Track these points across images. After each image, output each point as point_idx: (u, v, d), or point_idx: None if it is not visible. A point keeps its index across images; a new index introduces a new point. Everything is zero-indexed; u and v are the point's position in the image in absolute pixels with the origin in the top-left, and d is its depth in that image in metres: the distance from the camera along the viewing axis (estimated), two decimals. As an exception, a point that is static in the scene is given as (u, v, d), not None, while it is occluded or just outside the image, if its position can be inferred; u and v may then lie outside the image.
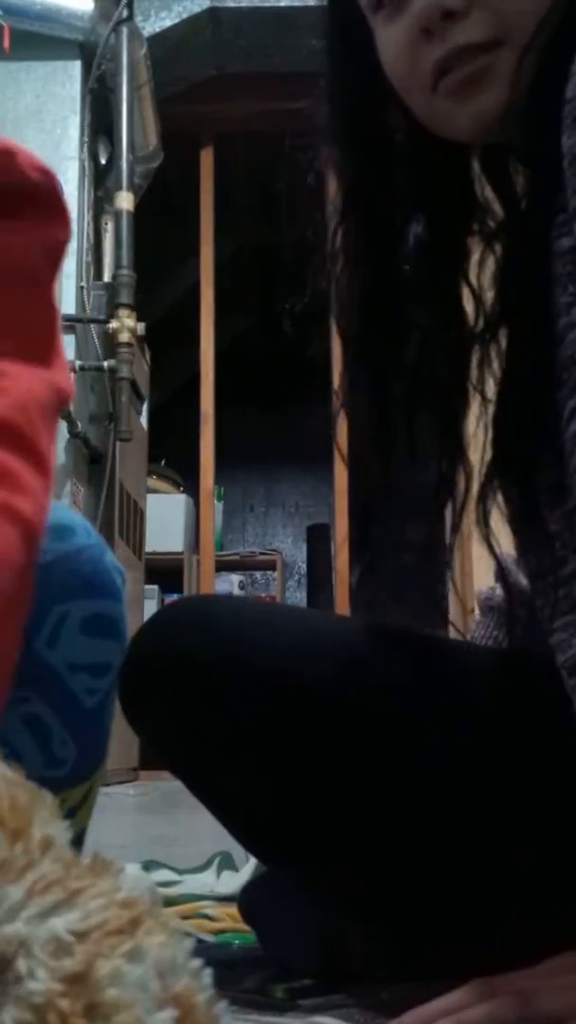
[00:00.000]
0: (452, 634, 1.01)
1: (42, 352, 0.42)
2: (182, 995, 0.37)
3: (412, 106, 0.78)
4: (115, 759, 2.56)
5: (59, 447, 3.05)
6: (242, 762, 0.87)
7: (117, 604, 0.74)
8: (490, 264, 0.84)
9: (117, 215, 3.30)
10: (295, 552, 6.66)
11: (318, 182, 0.91)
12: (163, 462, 5.14)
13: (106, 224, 3.62)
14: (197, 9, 3.69)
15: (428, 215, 0.85)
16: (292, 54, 3.75)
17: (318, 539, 6.13)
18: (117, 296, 3.22)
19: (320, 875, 0.87)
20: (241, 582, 5.50)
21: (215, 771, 0.90)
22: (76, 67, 3.37)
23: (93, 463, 3.38)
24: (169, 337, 4.84)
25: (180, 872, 1.44)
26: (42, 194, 0.44)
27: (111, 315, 3.22)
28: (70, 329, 3.16)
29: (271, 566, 5.80)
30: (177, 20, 3.69)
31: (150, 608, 4.17)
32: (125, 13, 3.28)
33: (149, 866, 1.47)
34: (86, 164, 3.39)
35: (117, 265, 3.27)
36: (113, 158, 3.39)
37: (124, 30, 3.28)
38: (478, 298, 0.84)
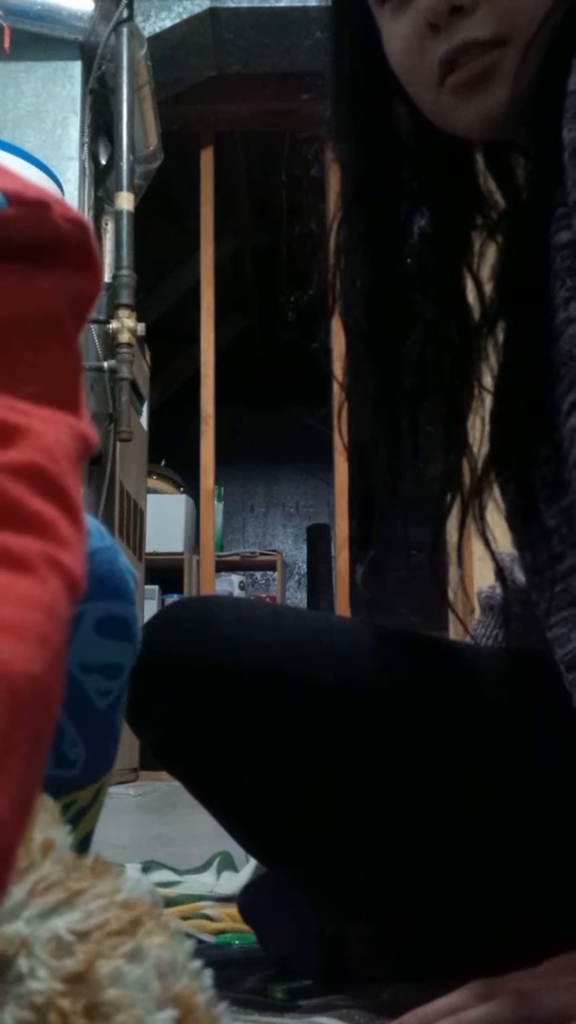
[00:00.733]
0: (454, 633, 1.01)
1: (69, 400, 0.42)
2: (182, 995, 0.37)
3: (417, 100, 0.78)
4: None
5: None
6: (242, 763, 0.87)
7: (130, 606, 0.74)
8: (491, 258, 0.84)
9: (117, 215, 3.30)
10: (295, 552, 6.66)
11: (322, 176, 0.91)
12: (163, 462, 5.14)
13: (106, 224, 3.62)
14: (197, 9, 3.69)
15: (432, 208, 0.85)
16: (292, 54, 3.75)
17: (318, 539, 6.13)
18: (117, 296, 3.21)
19: (321, 876, 0.87)
20: (241, 582, 5.50)
21: (215, 772, 0.90)
22: (76, 67, 3.37)
23: (93, 463, 3.37)
24: (169, 337, 4.85)
25: (180, 872, 1.44)
26: (73, 245, 0.43)
27: (111, 315, 3.22)
28: (70, 329, 3.15)
29: (271, 566, 5.80)
30: (177, 20, 3.69)
31: (150, 608, 4.17)
32: (125, 13, 3.27)
33: (149, 866, 1.47)
34: (86, 164, 3.39)
35: (117, 265, 3.27)
36: (113, 158, 3.39)
37: (124, 30, 3.28)
38: (481, 292, 0.84)
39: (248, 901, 0.92)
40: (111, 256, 3.50)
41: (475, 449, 0.82)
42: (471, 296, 0.85)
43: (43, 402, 0.41)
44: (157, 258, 4.60)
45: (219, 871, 1.44)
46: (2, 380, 0.40)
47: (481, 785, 0.82)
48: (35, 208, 0.42)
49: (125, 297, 3.20)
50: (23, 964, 0.35)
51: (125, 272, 3.22)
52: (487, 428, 0.79)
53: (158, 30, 3.67)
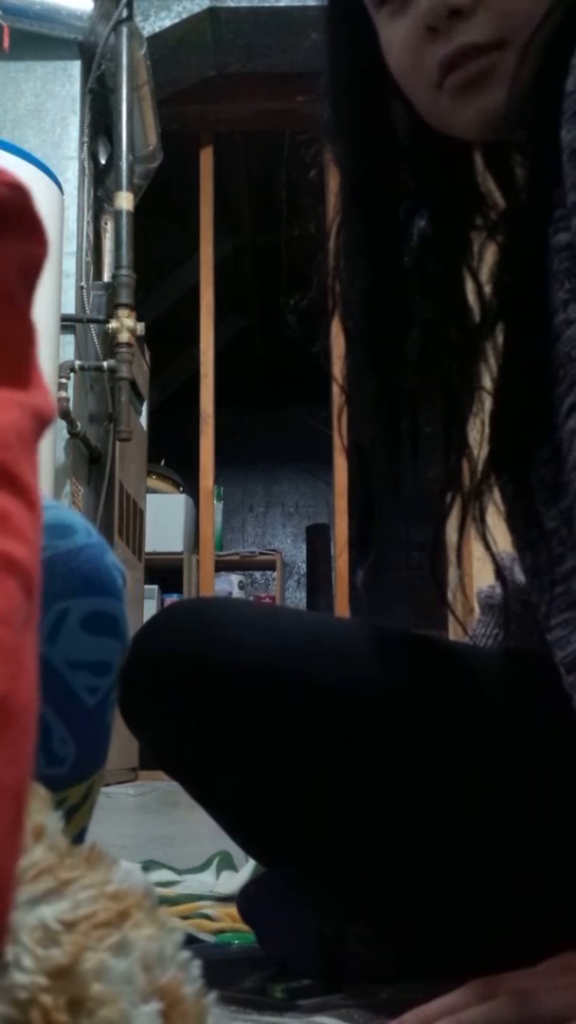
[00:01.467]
0: (454, 633, 1.01)
1: (19, 374, 0.40)
2: (168, 987, 0.37)
3: (416, 102, 0.78)
4: (115, 759, 2.56)
5: (59, 447, 3.05)
6: (242, 764, 0.87)
7: (118, 603, 0.74)
8: (490, 259, 0.84)
9: (117, 215, 3.30)
10: (295, 552, 6.66)
11: (321, 177, 0.91)
12: (163, 462, 5.14)
13: (106, 224, 3.62)
14: (197, 9, 3.69)
15: (432, 210, 0.85)
16: (292, 54, 3.75)
17: (318, 539, 6.13)
18: (117, 296, 3.22)
19: (320, 876, 0.87)
20: (241, 582, 5.50)
21: (214, 773, 0.90)
22: (76, 67, 3.38)
23: (93, 463, 3.38)
24: (169, 337, 4.85)
25: (180, 872, 1.44)
26: (14, 211, 0.41)
27: (111, 315, 3.22)
28: (70, 329, 3.16)
29: (271, 566, 5.80)
30: (177, 20, 3.69)
31: (150, 608, 4.17)
32: (125, 13, 3.27)
33: (149, 866, 1.47)
34: (86, 164, 3.39)
35: (117, 265, 3.27)
36: (113, 158, 3.39)
37: (124, 30, 3.28)
38: (481, 293, 0.84)
39: (247, 901, 0.92)
40: (111, 256, 3.50)
41: (475, 451, 0.82)
42: (471, 297, 0.85)
43: None
44: (157, 258, 4.60)
45: (218, 871, 1.44)
46: None
47: (481, 785, 0.82)
48: None
49: (125, 297, 3.20)
50: (9, 952, 0.35)
51: (125, 272, 3.22)
52: (487, 430, 0.79)
53: (157, 30, 3.67)
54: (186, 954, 0.39)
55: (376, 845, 0.85)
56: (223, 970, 0.85)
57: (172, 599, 4.38)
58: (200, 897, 1.23)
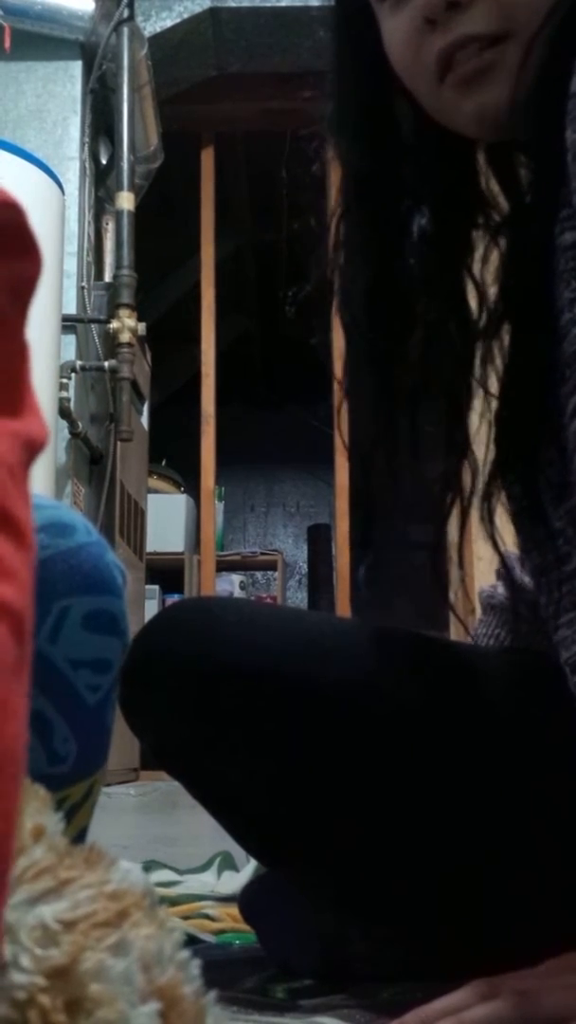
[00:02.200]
0: (455, 633, 1.01)
1: (11, 400, 0.39)
2: (167, 987, 0.37)
3: (418, 97, 0.78)
4: (115, 759, 2.56)
5: (60, 447, 3.05)
6: (243, 764, 0.87)
7: (118, 601, 0.74)
8: (494, 259, 0.84)
9: (118, 215, 3.30)
10: (296, 552, 6.66)
11: (323, 173, 0.91)
12: (164, 462, 5.15)
13: (107, 224, 3.62)
14: (197, 9, 3.69)
15: (433, 207, 0.85)
16: (292, 54, 3.75)
17: (319, 539, 6.13)
18: (118, 296, 3.22)
19: (321, 876, 0.87)
20: (242, 582, 5.50)
21: (215, 773, 0.90)
22: (77, 67, 3.38)
23: (94, 463, 3.38)
24: (170, 337, 4.85)
25: (181, 872, 1.44)
26: (8, 229, 0.40)
27: (112, 315, 3.23)
28: (71, 329, 3.16)
29: (272, 566, 5.80)
30: (178, 20, 3.69)
31: (151, 608, 4.17)
32: (126, 13, 3.28)
33: (150, 866, 1.47)
34: (87, 164, 3.39)
35: (118, 265, 3.27)
36: (114, 158, 3.39)
37: (125, 30, 3.28)
38: (482, 293, 0.84)
39: (249, 901, 0.92)
40: (112, 256, 3.51)
41: (481, 453, 0.82)
42: (471, 297, 0.85)
43: None
44: (158, 257, 4.60)
45: (220, 871, 1.44)
46: None
47: (483, 786, 0.82)
48: None
49: (126, 297, 3.20)
50: (7, 951, 0.35)
51: (126, 272, 3.23)
52: (493, 431, 0.79)
53: (159, 30, 3.67)
54: (185, 954, 0.39)
55: (378, 845, 0.85)
56: (224, 970, 0.85)
57: (173, 599, 4.38)
58: (201, 897, 1.23)
